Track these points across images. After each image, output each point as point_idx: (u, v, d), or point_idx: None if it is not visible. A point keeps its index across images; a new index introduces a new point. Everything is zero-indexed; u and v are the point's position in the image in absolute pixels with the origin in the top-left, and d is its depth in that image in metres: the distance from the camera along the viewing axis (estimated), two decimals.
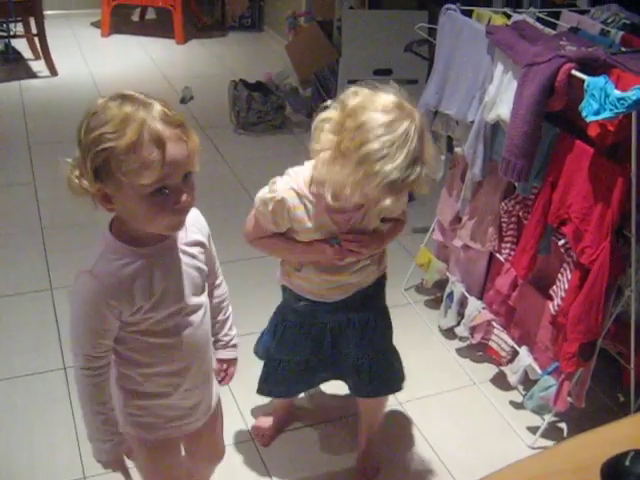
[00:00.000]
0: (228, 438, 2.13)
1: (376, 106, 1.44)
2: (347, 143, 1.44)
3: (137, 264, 1.28)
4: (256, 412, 2.27)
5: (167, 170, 1.17)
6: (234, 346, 1.62)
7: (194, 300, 1.40)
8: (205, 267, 1.43)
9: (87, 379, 1.33)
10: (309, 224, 1.63)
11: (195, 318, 1.41)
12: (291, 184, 1.61)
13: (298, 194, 1.60)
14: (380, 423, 2.12)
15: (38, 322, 2.59)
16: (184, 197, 1.22)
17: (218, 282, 1.53)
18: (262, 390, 2.07)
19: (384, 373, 1.96)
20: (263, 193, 1.64)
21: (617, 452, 0.96)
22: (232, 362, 1.62)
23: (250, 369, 2.43)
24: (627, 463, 0.94)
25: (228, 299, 1.58)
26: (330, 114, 1.51)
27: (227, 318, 1.58)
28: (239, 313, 2.65)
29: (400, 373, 2.02)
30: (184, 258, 1.36)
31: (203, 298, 1.44)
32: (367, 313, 1.86)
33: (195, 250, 1.40)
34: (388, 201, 1.47)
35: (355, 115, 1.45)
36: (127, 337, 1.35)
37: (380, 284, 1.87)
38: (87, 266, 1.28)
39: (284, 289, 1.89)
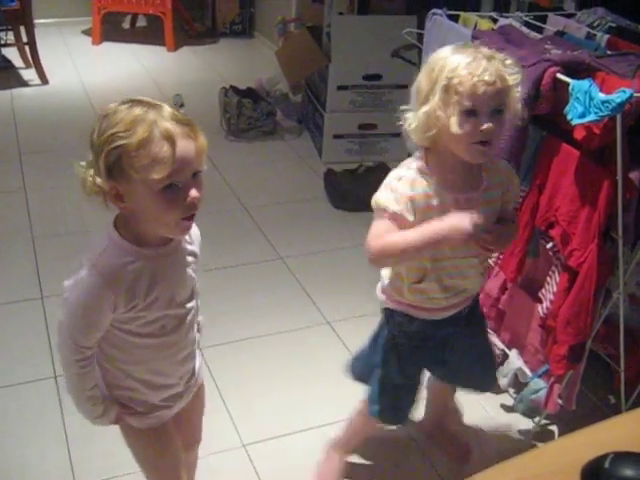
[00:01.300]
0: (218, 445, 2.12)
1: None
2: (428, 80, 1.48)
3: (139, 263, 1.31)
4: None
5: (177, 166, 1.21)
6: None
7: (186, 305, 1.43)
8: (195, 276, 1.45)
9: (80, 370, 1.37)
10: (434, 201, 1.55)
11: (184, 321, 1.43)
12: (407, 164, 1.59)
13: (419, 170, 1.56)
14: None
15: (29, 331, 2.58)
16: (194, 192, 1.25)
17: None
18: (391, 419, 1.97)
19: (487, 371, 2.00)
20: (384, 184, 1.57)
21: (597, 454, 0.97)
22: None
23: (243, 374, 2.44)
24: (606, 465, 0.94)
25: None
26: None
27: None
28: (235, 318, 2.69)
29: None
30: (181, 264, 1.40)
31: (193, 303, 1.46)
32: (474, 319, 1.86)
33: (190, 259, 1.43)
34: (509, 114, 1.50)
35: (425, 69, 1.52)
36: (112, 333, 1.38)
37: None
38: (88, 260, 1.31)
39: (390, 313, 1.78)
